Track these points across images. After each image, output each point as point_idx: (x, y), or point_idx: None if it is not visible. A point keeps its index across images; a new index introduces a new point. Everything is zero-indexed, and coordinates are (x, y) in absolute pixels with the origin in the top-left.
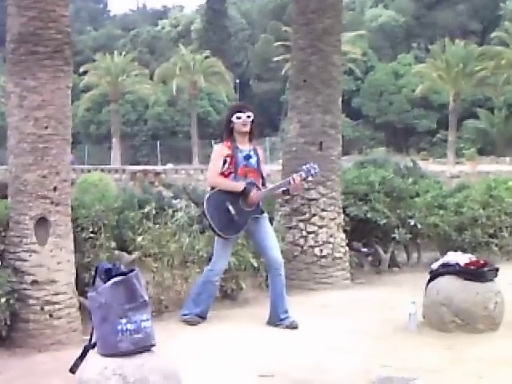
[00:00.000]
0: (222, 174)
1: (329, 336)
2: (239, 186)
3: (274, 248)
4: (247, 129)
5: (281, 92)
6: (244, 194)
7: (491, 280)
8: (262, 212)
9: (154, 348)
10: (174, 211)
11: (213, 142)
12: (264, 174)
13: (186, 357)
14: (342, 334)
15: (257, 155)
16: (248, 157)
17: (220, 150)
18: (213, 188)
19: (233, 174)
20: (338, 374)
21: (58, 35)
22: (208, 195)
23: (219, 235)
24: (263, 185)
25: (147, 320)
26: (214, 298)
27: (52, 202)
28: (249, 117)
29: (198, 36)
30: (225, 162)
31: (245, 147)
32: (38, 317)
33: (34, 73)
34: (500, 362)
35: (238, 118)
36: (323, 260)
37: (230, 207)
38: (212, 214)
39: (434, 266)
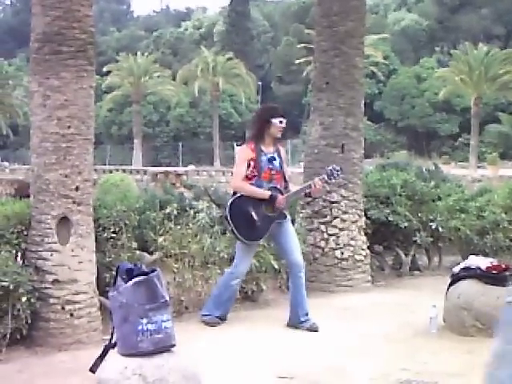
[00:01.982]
0: (246, 177)
1: (349, 339)
2: (266, 194)
3: (295, 251)
4: (281, 135)
5: (302, 94)
6: (270, 202)
7: None
8: (285, 217)
9: (174, 348)
10: (195, 212)
11: (234, 143)
12: (286, 176)
13: (205, 358)
14: (362, 337)
15: (280, 157)
16: (272, 159)
17: (244, 154)
18: (235, 192)
19: (256, 177)
20: (357, 378)
21: (82, 35)
22: (231, 201)
23: (242, 241)
24: (286, 188)
25: (168, 320)
26: (234, 301)
27: (74, 202)
28: (284, 122)
29: (221, 38)
30: (248, 165)
31: (269, 149)
32: (59, 316)
33: (58, 72)
34: None
35: (281, 122)
36: (344, 262)
37: (253, 213)
38: (235, 220)
39: (455, 269)
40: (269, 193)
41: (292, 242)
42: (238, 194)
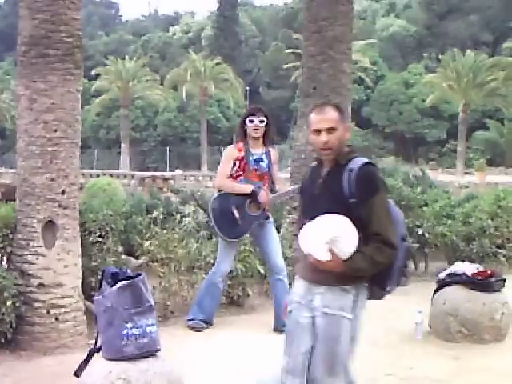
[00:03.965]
0: (231, 176)
1: None
2: (247, 188)
3: (275, 253)
4: (259, 134)
5: (290, 100)
6: (252, 197)
7: (498, 291)
8: (267, 217)
9: (158, 353)
10: (181, 217)
11: (222, 148)
12: (275, 178)
13: (190, 362)
14: None
15: (269, 158)
16: (259, 160)
17: (230, 153)
18: (220, 190)
19: (242, 177)
20: None
21: (69, 38)
22: (214, 196)
23: (221, 237)
24: (272, 190)
25: (153, 325)
26: (218, 303)
27: (60, 206)
28: (262, 121)
29: (209, 42)
30: (234, 164)
31: (257, 150)
32: (44, 320)
33: (44, 76)
34: (506, 372)
35: (251, 121)
36: None
37: (235, 211)
38: (216, 216)
39: (441, 275)
40: (251, 187)
41: (273, 245)
42: (222, 192)
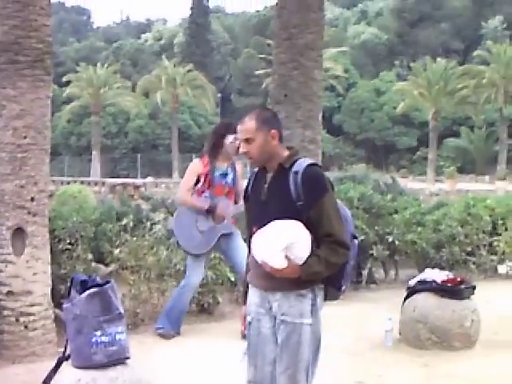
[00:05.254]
0: (197, 191)
1: None
2: (203, 206)
3: (243, 263)
4: (236, 153)
5: (262, 107)
6: (210, 212)
7: (468, 298)
8: (232, 229)
9: (128, 361)
10: (152, 224)
11: (193, 155)
12: (239, 190)
13: (160, 370)
14: None
15: (234, 171)
16: (224, 175)
17: (193, 168)
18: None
19: (206, 192)
20: None
21: (39, 45)
22: (177, 212)
23: (187, 252)
24: (236, 203)
25: (122, 333)
26: (185, 312)
27: (29, 213)
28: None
29: (181, 49)
30: (198, 180)
31: (223, 165)
32: (13, 328)
33: (14, 82)
34: (475, 379)
35: (235, 138)
36: None
37: (199, 224)
38: (180, 232)
39: (411, 282)
40: (207, 204)
41: (241, 255)
42: (185, 207)
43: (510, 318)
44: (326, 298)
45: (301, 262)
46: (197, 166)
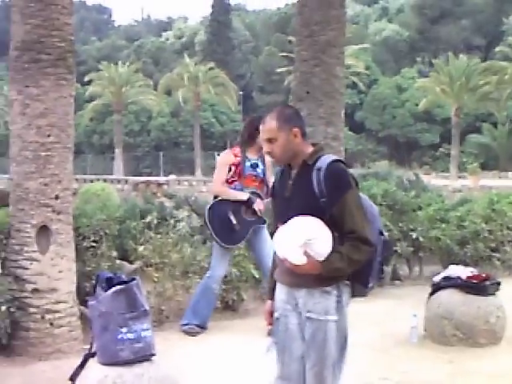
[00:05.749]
0: (226, 181)
1: None
2: (243, 195)
3: (268, 257)
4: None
5: (283, 104)
6: (247, 204)
7: (493, 294)
8: (264, 222)
9: (153, 358)
10: (175, 221)
11: (215, 153)
12: (269, 182)
13: (185, 367)
14: None
15: (264, 164)
16: (255, 165)
17: (225, 159)
18: (216, 197)
19: (237, 182)
20: None
21: (62, 43)
22: (210, 204)
23: (221, 245)
24: (267, 194)
25: (147, 329)
26: (213, 307)
27: (54, 211)
28: None
29: (202, 47)
30: (230, 169)
31: (254, 156)
32: (39, 325)
33: (37, 81)
34: (501, 375)
35: None
36: None
37: (232, 217)
38: (214, 224)
39: (436, 279)
40: (247, 194)
41: (267, 248)
42: (218, 198)
43: None
44: (353, 295)
45: (321, 259)
46: (228, 156)
